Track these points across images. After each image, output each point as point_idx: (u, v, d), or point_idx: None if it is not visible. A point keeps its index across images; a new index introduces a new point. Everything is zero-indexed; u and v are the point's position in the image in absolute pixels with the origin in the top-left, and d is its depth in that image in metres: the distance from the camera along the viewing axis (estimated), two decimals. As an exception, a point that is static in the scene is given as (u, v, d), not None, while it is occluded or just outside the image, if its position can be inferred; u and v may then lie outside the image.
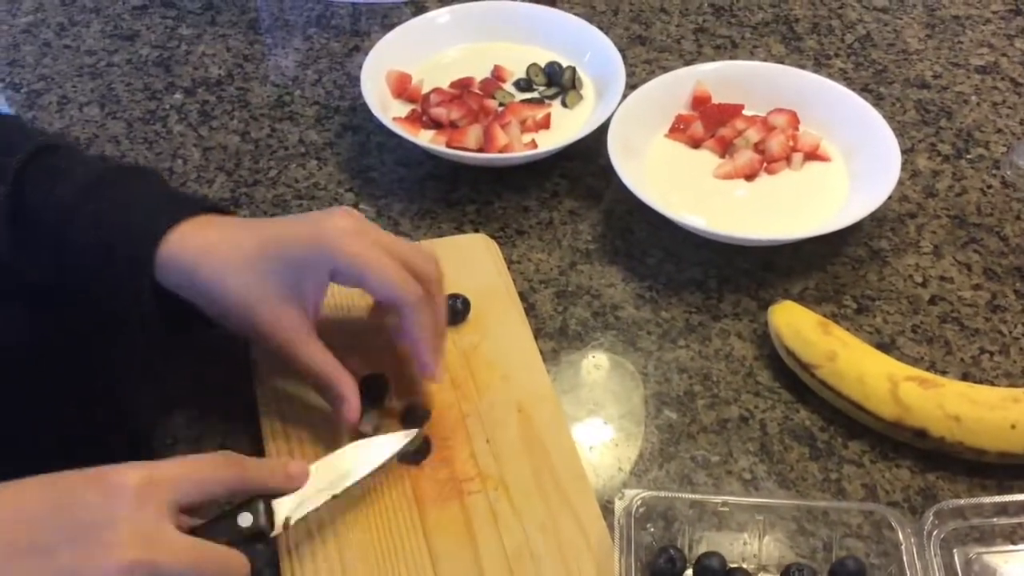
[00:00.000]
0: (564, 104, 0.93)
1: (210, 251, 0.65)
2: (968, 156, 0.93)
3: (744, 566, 0.64)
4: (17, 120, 0.74)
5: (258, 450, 0.69)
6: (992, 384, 0.75)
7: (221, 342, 0.77)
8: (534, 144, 0.89)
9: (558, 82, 0.95)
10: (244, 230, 0.66)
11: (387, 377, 0.71)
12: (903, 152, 0.86)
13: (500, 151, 0.88)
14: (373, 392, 0.70)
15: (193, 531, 0.56)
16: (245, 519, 0.59)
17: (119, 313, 0.67)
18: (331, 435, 0.69)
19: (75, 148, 0.71)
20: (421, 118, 0.92)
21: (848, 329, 0.75)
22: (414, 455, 0.68)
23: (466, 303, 0.76)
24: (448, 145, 0.88)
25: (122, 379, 0.77)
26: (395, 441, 0.66)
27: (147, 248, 0.64)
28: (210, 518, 0.58)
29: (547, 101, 0.94)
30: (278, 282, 0.64)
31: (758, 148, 0.89)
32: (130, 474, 0.53)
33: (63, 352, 0.82)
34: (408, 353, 0.69)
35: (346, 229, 0.64)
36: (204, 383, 0.75)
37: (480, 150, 0.88)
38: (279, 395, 0.71)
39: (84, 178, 0.67)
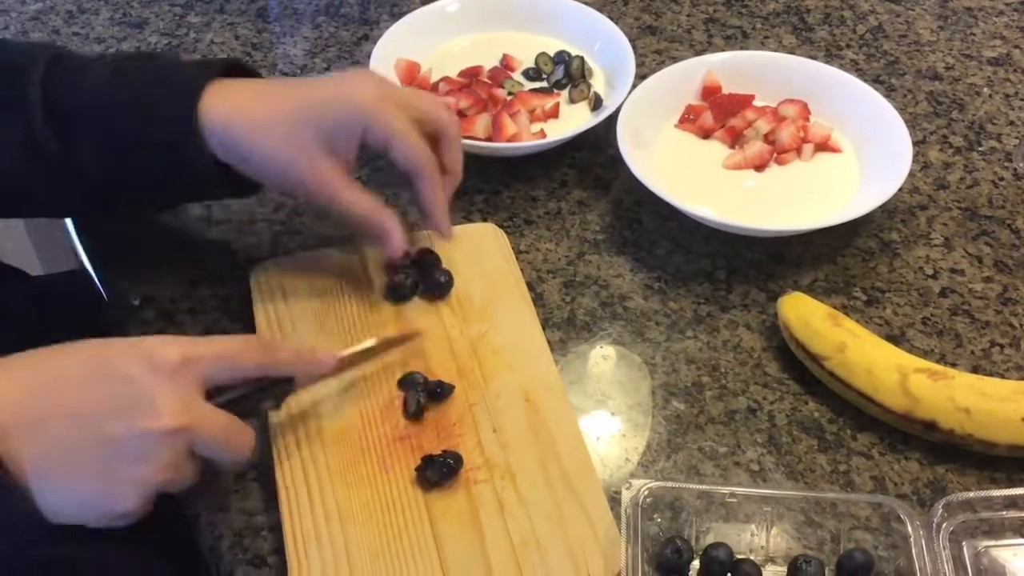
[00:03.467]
0: (570, 100, 0.93)
1: (247, 110, 0.69)
2: (980, 148, 0.92)
3: (751, 557, 0.63)
4: (11, 40, 0.77)
5: (264, 435, 0.69)
6: (1002, 377, 0.74)
7: (228, 330, 0.77)
8: (543, 134, 0.89)
9: (567, 71, 0.94)
10: (277, 91, 0.71)
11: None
12: (914, 144, 0.85)
13: (509, 140, 0.88)
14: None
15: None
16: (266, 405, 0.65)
17: (175, 185, 0.71)
18: (337, 422, 0.69)
19: (82, 53, 0.74)
20: (430, 107, 0.92)
21: (858, 321, 0.75)
22: (441, 286, 0.76)
23: (450, 277, 0.77)
24: (457, 134, 0.88)
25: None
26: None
27: (187, 108, 0.67)
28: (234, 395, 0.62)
29: (556, 91, 0.93)
30: (315, 139, 0.69)
31: (768, 139, 0.88)
32: (170, 349, 0.56)
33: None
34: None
35: (375, 95, 0.70)
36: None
37: (489, 139, 0.88)
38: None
39: (107, 66, 0.70)
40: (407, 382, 0.71)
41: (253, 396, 0.63)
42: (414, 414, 0.69)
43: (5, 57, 0.71)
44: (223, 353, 0.60)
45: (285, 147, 0.69)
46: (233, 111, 0.68)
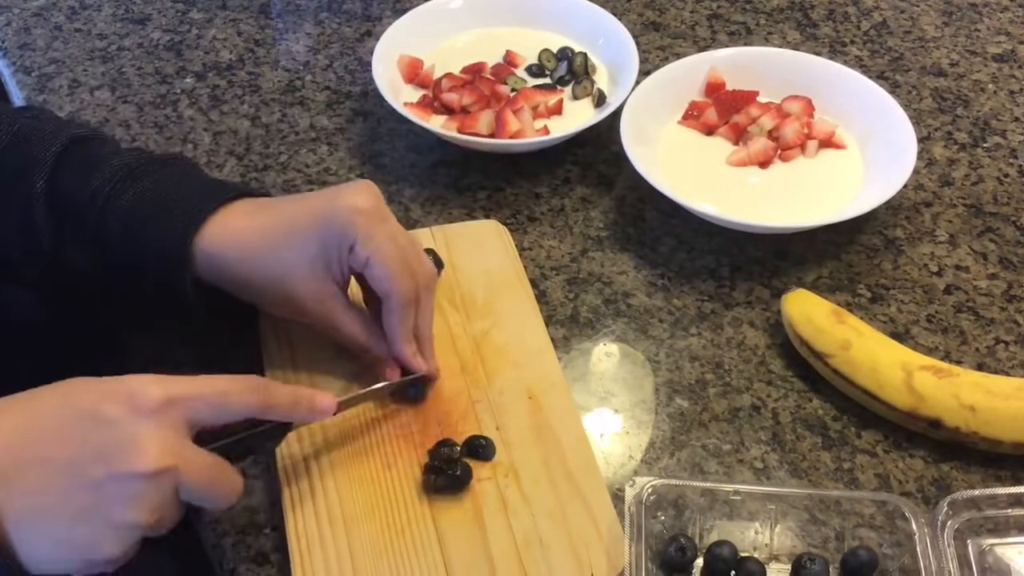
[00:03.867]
0: (573, 96, 0.92)
1: (238, 239, 0.66)
2: (985, 144, 0.92)
3: (755, 555, 0.63)
4: (49, 112, 0.75)
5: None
6: (1007, 374, 0.74)
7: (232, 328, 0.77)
8: (546, 130, 0.89)
9: (570, 68, 0.94)
10: (269, 213, 0.68)
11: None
12: (919, 140, 0.85)
13: (512, 137, 0.87)
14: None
15: (203, 440, 0.57)
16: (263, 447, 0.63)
17: (162, 303, 0.68)
18: (341, 420, 0.69)
19: (109, 139, 0.73)
20: (432, 104, 0.91)
21: (862, 318, 0.75)
22: (411, 391, 0.69)
23: (438, 259, 0.76)
24: (459, 131, 0.88)
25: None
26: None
27: (183, 243, 0.65)
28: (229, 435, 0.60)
29: (559, 88, 0.93)
30: (307, 258, 0.66)
31: (772, 135, 0.88)
32: (152, 389, 0.54)
33: (74, 337, 0.83)
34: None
35: (362, 208, 0.66)
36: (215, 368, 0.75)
37: (492, 136, 0.88)
38: (289, 382, 0.71)
39: (118, 169, 0.68)
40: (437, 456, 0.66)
41: (247, 439, 0.60)
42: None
43: (26, 134, 0.69)
44: (212, 394, 0.57)
45: (279, 274, 0.66)
46: (228, 238, 0.66)
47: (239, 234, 0.66)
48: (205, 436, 0.58)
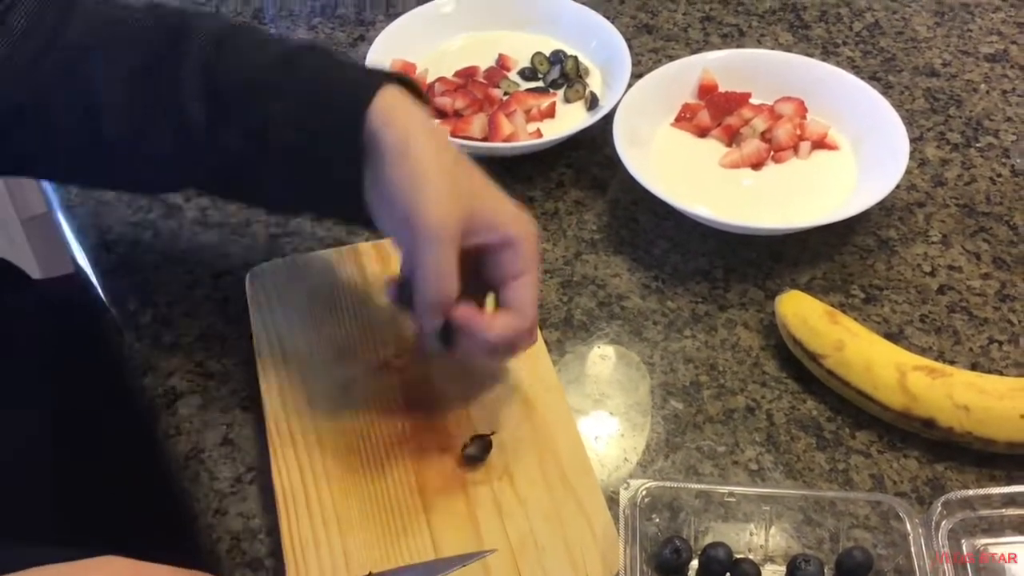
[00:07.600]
0: (566, 100, 0.92)
1: (418, 142, 0.63)
2: (977, 145, 0.92)
3: (750, 557, 0.63)
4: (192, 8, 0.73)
5: (262, 438, 0.69)
6: (1001, 374, 0.74)
7: (225, 333, 0.77)
8: (539, 133, 0.89)
9: (562, 71, 0.94)
10: (450, 152, 0.66)
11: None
12: (912, 141, 0.85)
13: (505, 140, 0.87)
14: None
15: None
16: None
17: (313, 186, 0.66)
18: (335, 425, 0.69)
19: (258, 28, 0.71)
20: (426, 107, 0.91)
21: (856, 319, 0.75)
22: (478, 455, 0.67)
23: None
24: (453, 135, 0.88)
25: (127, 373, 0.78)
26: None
27: (357, 109, 0.62)
28: None
29: (552, 91, 0.93)
30: (461, 217, 0.63)
31: (765, 137, 0.88)
32: None
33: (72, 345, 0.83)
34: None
35: (534, 235, 0.66)
36: (207, 371, 0.75)
37: (485, 139, 0.88)
38: (283, 386, 0.71)
39: (279, 50, 0.66)
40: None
41: None
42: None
43: (175, 24, 0.67)
44: None
45: (436, 201, 0.62)
46: (407, 135, 0.63)
47: (416, 134, 0.63)
48: None
